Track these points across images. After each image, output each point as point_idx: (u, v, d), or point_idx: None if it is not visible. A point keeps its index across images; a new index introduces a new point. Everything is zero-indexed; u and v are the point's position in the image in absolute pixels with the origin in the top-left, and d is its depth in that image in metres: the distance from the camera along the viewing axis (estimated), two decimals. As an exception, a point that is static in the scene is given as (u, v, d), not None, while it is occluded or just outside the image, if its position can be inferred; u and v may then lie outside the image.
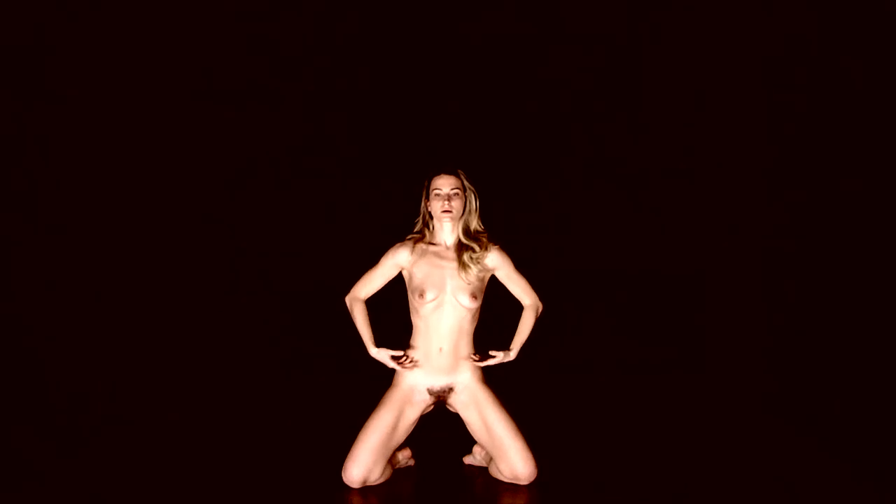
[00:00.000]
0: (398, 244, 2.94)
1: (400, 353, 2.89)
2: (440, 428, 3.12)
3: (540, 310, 3.01)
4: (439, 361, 2.86)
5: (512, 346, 2.93)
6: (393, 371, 2.93)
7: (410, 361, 2.87)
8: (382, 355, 2.89)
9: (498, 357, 2.89)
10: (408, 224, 3.00)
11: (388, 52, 4.86)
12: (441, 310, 2.84)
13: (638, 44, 4.85)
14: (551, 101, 4.90)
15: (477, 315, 2.91)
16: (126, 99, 4.68)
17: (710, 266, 4.90)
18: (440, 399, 2.90)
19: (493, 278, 2.97)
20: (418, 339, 2.89)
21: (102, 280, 4.66)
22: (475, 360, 2.88)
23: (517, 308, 3.02)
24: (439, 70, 4.85)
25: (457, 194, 2.88)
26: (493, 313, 3.07)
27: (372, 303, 2.99)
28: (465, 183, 2.92)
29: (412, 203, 3.00)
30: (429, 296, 2.82)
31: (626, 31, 4.84)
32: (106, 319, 4.66)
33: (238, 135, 4.83)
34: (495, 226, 3.02)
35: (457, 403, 2.90)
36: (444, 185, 2.87)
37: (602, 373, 4.58)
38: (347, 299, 2.98)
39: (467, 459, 3.10)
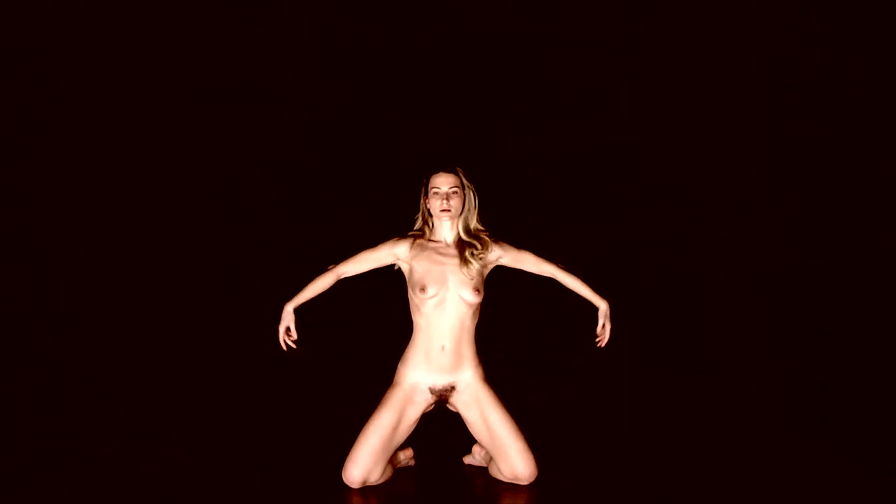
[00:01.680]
0: (399, 237, 2.95)
1: (295, 335, 2.88)
2: (440, 428, 3.11)
3: (563, 266, 3.01)
4: (441, 360, 2.84)
5: (596, 304, 2.95)
6: (394, 370, 2.93)
7: (293, 343, 2.88)
8: (288, 318, 2.88)
9: (604, 323, 2.93)
10: (408, 223, 3.00)
11: (387, 51, 4.85)
12: (443, 307, 2.82)
13: (638, 44, 4.85)
14: (551, 101, 4.90)
15: (478, 312, 2.90)
16: (124, 98, 4.68)
17: (711, 266, 4.89)
18: (442, 398, 2.89)
19: (494, 273, 2.97)
20: (420, 337, 2.87)
21: (100, 279, 4.66)
22: (600, 343, 2.93)
23: (515, 308, 3.02)
24: (437, 70, 4.84)
25: (455, 192, 2.87)
26: (491, 314, 3.07)
27: (370, 301, 2.99)
28: (464, 181, 2.92)
29: (412, 202, 3.01)
30: (430, 291, 2.80)
31: (626, 31, 4.84)
32: (104, 319, 4.65)
33: (237, 135, 4.83)
34: (495, 225, 3.01)
35: (458, 403, 2.89)
36: (443, 183, 2.87)
37: (602, 373, 4.58)
38: (330, 267, 2.95)
39: (467, 459, 3.10)
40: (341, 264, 2.95)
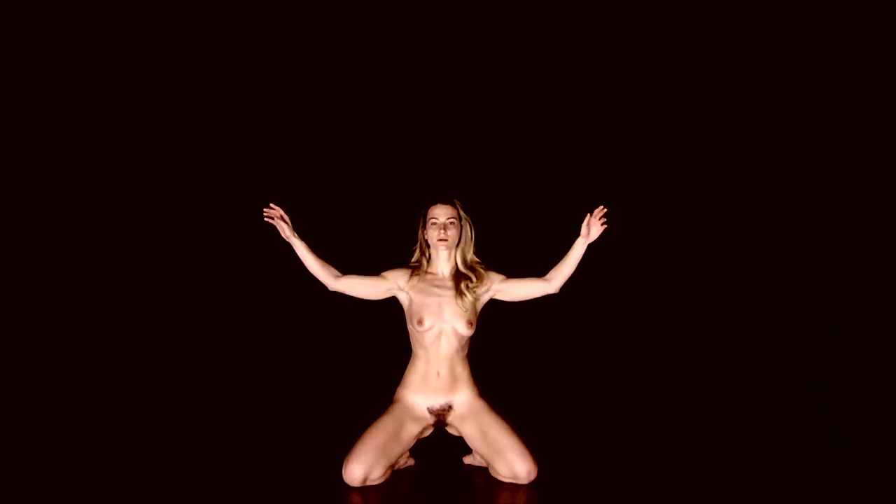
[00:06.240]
0: (399, 267, 2.99)
1: (273, 215, 2.91)
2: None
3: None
4: (437, 383, 2.92)
5: (584, 245, 2.88)
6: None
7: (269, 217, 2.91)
8: (287, 228, 2.92)
9: (588, 222, 2.86)
10: (406, 248, 3.03)
11: (388, 68, 4.86)
12: (439, 339, 2.89)
13: (633, 42, 4.86)
14: (547, 99, 4.91)
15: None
16: (125, 98, 4.68)
17: (710, 266, 4.90)
18: (440, 419, 2.95)
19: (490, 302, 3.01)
20: (417, 363, 2.94)
21: (100, 278, 4.67)
22: (604, 220, 2.85)
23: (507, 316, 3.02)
24: (437, 88, 4.85)
25: (453, 223, 2.91)
26: (492, 314, 3.08)
27: (369, 312, 2.97)
28: (461, 213, 2.96)
29: (410, 229, 3.03)
30: (427, 323, 2.86)
31: (620, 31, 4.84)
32: (103, 318, 4.66)
33: (237, 141, 4.83)
34: (491, 238, 3.04)
35: (455, 420, 2.95)
36: (441, 214, 2.91)
37: (602, 373, 4.58)
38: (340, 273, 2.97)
39: (467, 459, 3.12)
40: (344, 275, 2.96)
